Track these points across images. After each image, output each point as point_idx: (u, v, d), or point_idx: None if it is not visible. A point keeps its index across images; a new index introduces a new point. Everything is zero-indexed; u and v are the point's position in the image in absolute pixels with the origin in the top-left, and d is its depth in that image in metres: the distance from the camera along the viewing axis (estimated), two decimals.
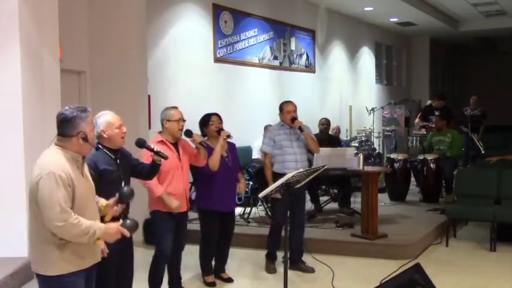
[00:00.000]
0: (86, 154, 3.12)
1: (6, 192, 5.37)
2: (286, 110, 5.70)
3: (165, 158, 4.10)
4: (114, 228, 3.10)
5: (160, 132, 4.78)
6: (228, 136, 5.15)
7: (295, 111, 5.70)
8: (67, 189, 2.91)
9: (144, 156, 4.38)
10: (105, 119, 3.84)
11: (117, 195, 3.31)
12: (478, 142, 9.97)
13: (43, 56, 5.62)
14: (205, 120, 5.30)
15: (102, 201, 3.29)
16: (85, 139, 3.02)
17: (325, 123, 8.62)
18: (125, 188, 3.31)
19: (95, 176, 3.39)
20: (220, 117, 5.30)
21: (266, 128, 5.81)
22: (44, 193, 2.87)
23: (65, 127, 3.01)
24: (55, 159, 2.96)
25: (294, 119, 5.64)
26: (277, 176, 5.55)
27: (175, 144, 4.75)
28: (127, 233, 3.15)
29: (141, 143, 4.13)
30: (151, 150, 4.07)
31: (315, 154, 6.95)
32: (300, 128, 5.62)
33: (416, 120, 10.73)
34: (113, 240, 3.15)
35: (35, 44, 5.52)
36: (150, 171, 4.14)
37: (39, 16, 5.56)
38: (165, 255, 4.70)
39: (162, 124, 4.75)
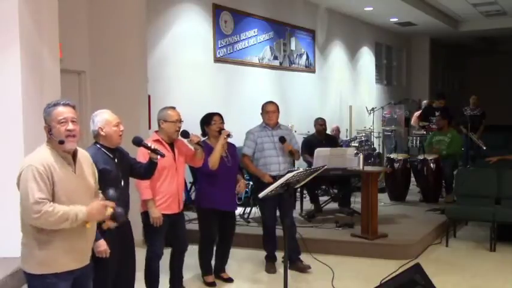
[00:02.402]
0: (55, 146, 3.00)
1: (6, 193, 5.36)
2: (265, 110, 5.73)
3: (162, 155, 4.10)
4: (98, 205, 3.04)
5: (157, 131, 4.76)
6: (229, 135, 5.16)
7: (274, 111, 5.70)
8: (45, 182, 2.88)
9: (139, 155, 4.38)
10: (102, 117, 3.84)
11: (102, 195, 3.26)
12: (477, 140, 9.95)
13: (43, 56, 5.61)
14: (207, 120, 5.31)
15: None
16: (50, 132, 3.00)
17: (322, 124, 8.55)
18: (119, 209, 3.23)
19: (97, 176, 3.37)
20: (222, 117, 5.32)
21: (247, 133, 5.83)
22: (22, 186, 2.90)
23: None
24: (38, 154, 2.98)
25: (283, 139, 5.62)
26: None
27: (171, 145, 4.73)
28: (111, 204, 3.12)
29: (137, 141, 4.14)
30: (148, 148, 4.08)
31: (315, 154, 6.96)
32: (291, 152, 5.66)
33: (413, 119, 10.69)
34: (100, 219, 3.12)
35: (35, 44, 5.52)
36: (148, 170, 4.14)
37: (39, 16, 5.56)
38: (157, 255, 4.72)
39: (159, 124, 4.72)
